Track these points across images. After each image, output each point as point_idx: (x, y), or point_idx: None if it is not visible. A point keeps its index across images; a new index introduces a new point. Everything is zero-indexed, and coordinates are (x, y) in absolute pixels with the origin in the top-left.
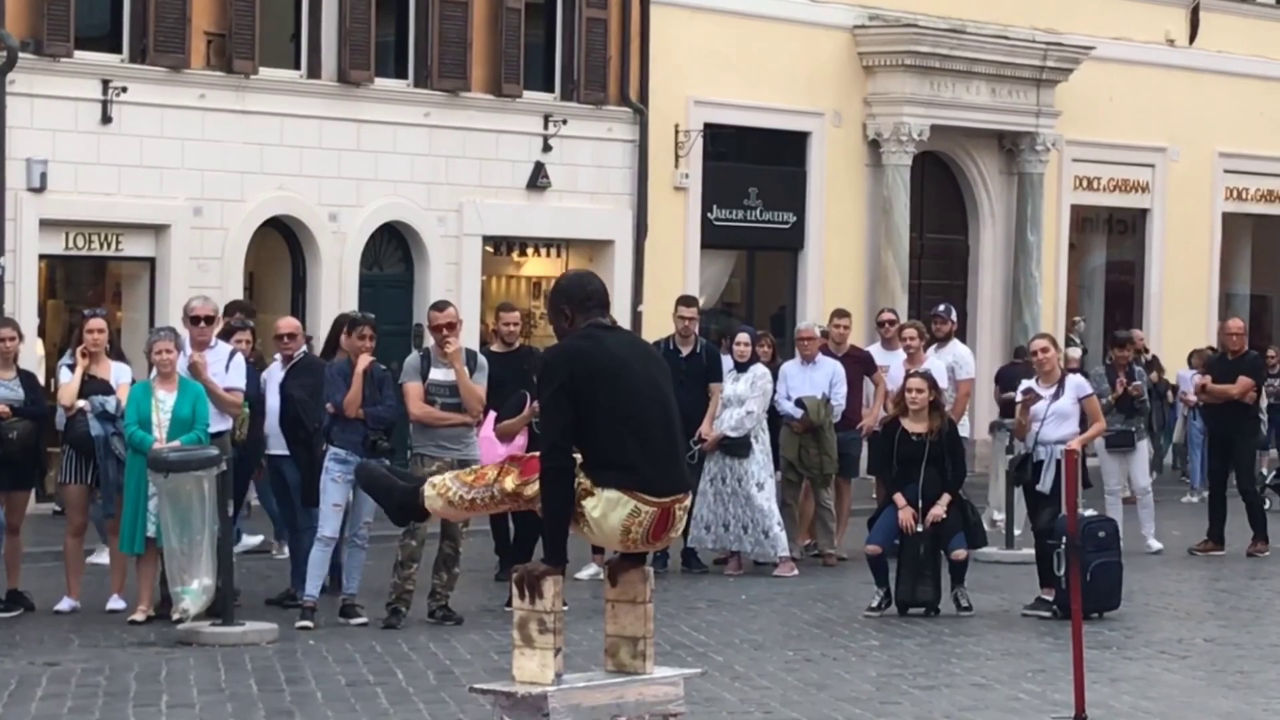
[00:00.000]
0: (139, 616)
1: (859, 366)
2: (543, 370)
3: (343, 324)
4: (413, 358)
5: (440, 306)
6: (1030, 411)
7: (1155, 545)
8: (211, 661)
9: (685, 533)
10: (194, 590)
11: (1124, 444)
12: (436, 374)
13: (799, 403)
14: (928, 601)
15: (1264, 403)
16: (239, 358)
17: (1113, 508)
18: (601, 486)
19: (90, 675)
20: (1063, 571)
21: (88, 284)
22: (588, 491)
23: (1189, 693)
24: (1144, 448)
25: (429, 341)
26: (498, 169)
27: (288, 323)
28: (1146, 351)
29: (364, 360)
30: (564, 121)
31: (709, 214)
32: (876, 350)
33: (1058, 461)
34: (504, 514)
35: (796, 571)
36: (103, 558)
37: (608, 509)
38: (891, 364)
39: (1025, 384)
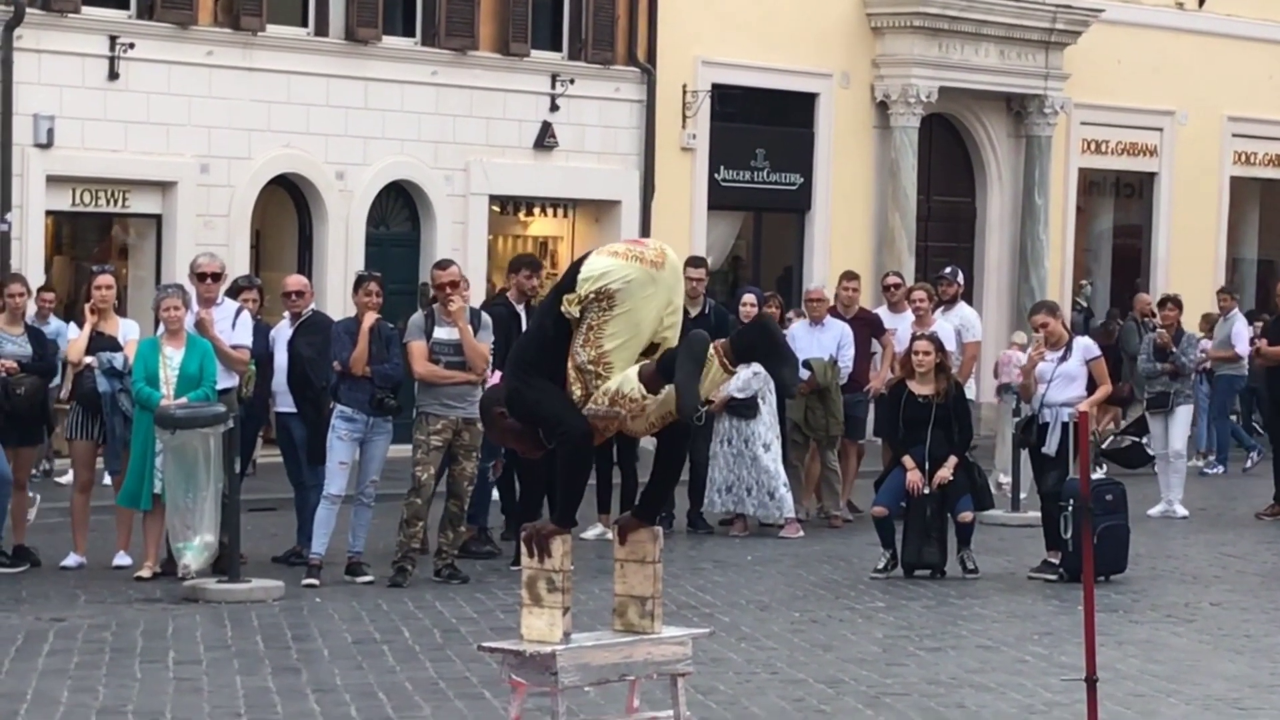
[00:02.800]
0: (145, 573)
1: (867, 329)
2: (511, 392)
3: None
4: (417, 316)
5: (443, 265)
6: (1036, 373)
7: (1181, 511)
8: (218, 618)
9: (700, 496)
10: (195, 546)
11: (1160, 405)
12: (440, 333)
13: (806, 364)
14: (934, 563)
15: None
16: (245, 315)
17: (1162, 471)
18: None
19: (97, 631)
20: (1069, 534)
21: (94, 240)
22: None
23: (1195, 656)
24: (1184, 411)
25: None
26: (505, 128)
27: (295, 280)
28: (1153, 315)
29: (370, 318)
30: (571, 81)
31: (716, 175)
32: (883, 313)
33: (1063, 424)
34: (510, 475)
35: (802, 533)
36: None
37: (595, 265)
38: (898, 326)
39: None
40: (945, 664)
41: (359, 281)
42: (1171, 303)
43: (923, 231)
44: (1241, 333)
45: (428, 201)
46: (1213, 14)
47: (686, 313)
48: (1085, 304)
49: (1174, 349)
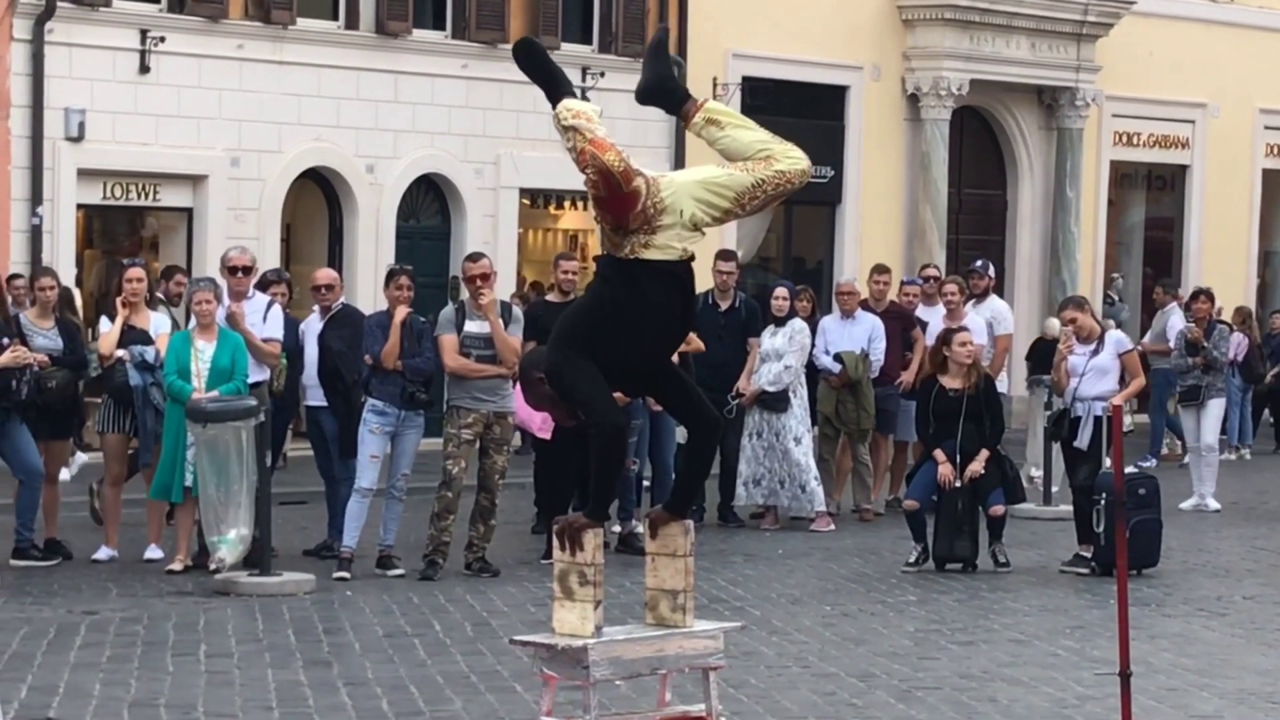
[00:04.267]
0: (176, 566)
1: (898, 322)
2: (553, 368)
3: None
4: (447, 310)
5: (474, 258)
6: (1066, 367)
7: (1213, 505)
8: (249, 611)
9: (730, 490)
10: (230, 540)
11: (1192, 399)
12: (471, 326)
13: (837, 358)
14: (965, 557)
15: None
16: (276, 308)
17: (1194, 464)
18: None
19: (128, 624)
20: (1101, 528)
21: (125, 234)
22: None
23: (1228, 650)
24: (1215, 405)
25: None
26: (535, 121)
27: (325, 274)
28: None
29: (401, 312)
30: (602, 74)
31: None
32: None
33: (1095, 418)
34: (547, 468)
35: (833, 526)
36: None
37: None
38: (931, 320)
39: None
40: (977, 658)
41: (390, 275)
42: (1204, 295)
43: (954, 224)
44: (1177, 326)
45: (458, 195)
46: (1244, 6)
47: (717, 305)
48: (1117, 297)
49: (1205, 343)
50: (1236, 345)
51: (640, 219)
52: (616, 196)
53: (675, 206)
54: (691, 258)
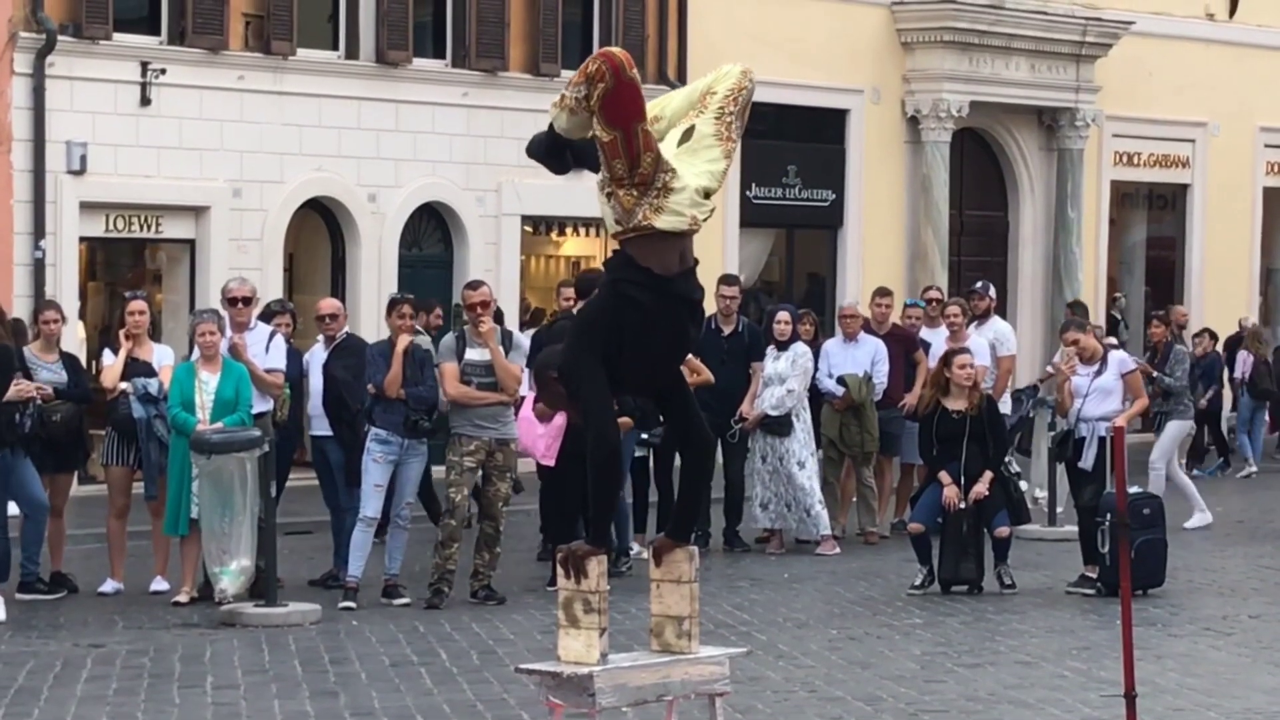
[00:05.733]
0: (182, 598)
1: (901, 345)
2: (566, 364)
3: None
4: (448, 338)
5: (474, 285)
6: (1068, 387)
7: (1196, 522)
8: (255, 642)
9: (736, 514)
10: (232, 571)
11: (1157, 425)
12: (472, 354)
13: (840, 380)
14: (971, 579)
15: None
16: (279, 339)
17: (1183, 485)
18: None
19: (135, 657)
20: (1106, 549)
21: (128, 266)
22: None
23: (1235, 670)
24: (1172, 426)
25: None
26: None
27: (329, 304)
28: (1184, 328)
29: (404, 340)
30: None
31: (748, 192)
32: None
33: (1100, 438)
34: (551, 493)
35: (838, 550)
36: None
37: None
38: (934, 341)
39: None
40: (984, 680)
41: (392, 304)
42: (1156, 319)
43: (955, 246)
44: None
45: (460, 223)
46: (1244, 25)
47: (720, 329)
48: (1120, 317)
49: (1155, 373)
50: (1243, 363)
51: (651, 164)
52: (623, 84)
53: (680, 170)
54: (697, 231)
